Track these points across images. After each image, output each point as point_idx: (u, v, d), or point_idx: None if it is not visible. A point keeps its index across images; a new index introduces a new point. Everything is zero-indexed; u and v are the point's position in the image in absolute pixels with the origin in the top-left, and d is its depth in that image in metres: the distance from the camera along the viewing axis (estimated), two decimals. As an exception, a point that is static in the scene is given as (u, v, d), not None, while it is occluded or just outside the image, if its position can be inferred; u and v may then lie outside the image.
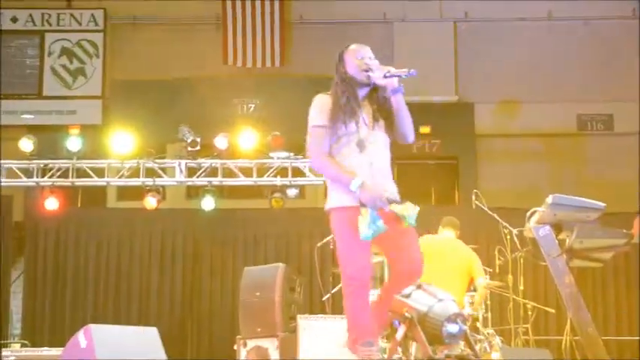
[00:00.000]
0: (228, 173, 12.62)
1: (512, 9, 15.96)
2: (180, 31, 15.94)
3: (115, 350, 6.03)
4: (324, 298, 11.02)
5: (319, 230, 12.51)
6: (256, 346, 9.88)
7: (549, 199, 6.88)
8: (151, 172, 12.54)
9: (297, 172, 12.67)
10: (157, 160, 12.48)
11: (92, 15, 15.93)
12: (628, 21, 15.78)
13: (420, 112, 16.35)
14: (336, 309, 10.62)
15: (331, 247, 11.40)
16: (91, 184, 12.82)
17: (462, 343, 7.86)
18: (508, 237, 10.21)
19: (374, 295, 9.93)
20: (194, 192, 13.23)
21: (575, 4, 15.83)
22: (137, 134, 12.57)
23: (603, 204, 6.84)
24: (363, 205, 5.26)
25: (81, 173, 12.59)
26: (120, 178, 12.67)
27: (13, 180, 12.64)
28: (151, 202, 12.36)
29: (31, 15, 15.88)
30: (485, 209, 10.57)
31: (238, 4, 15.77)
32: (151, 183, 12.45)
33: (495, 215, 10.45)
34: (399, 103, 5.37)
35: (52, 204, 12.53)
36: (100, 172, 12.60)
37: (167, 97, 15.18)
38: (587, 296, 11.75)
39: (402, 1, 16.13)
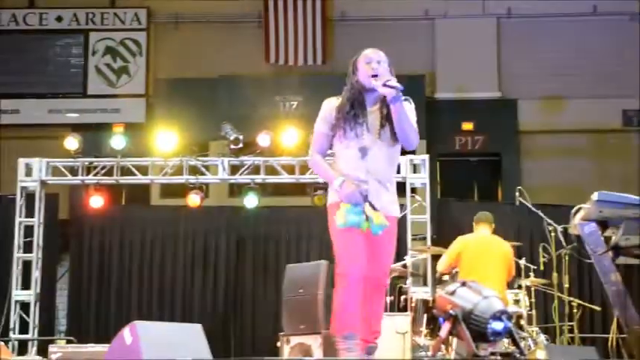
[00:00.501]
0: (271, 171, 12.62)
1: (556, 5, 15.85)
2: (222, 30, 16.02)
3: (161, 347, 6.06)
4: None
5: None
6: (299, 343, 9.85)
7: (595, 196, 6.80)
8: (194, 170, 12.58)
9: (340, 170, 12.61)
10: (200, 158, 12.51)
11: (135, 14, 16.06)
12: (674, 16, 15.61)
13: (462, 108, 16.48)
14: None
15: None
16: (135, 182, 12.90)
17: (506, 341, 7.84)
18: (552, 234, 10.13)
19: (423, 292, 9.97)
20: (237, 190, 13.26)
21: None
22: (180, 132, 12.62)
23: (650, 201, 6.75)
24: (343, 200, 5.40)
25: (125, 171, 12.66)
26: (163, 175, 12.73)
27: (58, 178, 12.74)
28: (194, 199, 12.39)
29: (75, 14, 16.04)
30: (529, 206, 10.49)
31: (280, 2, 15.81)
32: (194, 181, 12.49)
33: (539, 212, 10.37)
34: (397, 112, 5.30)
35: (96, 202, 12.61)
36: (143, 170, 12.67)
37: (210, 95, 15.26)
38: (634, 294, 11.60)
39: (445, -2, 16.11)
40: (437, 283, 10.37)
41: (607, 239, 6.91)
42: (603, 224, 6.87)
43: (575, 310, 10.47)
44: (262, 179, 12.58)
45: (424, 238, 11.83)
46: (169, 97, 15.27)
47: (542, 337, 9.44)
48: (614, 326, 8.85)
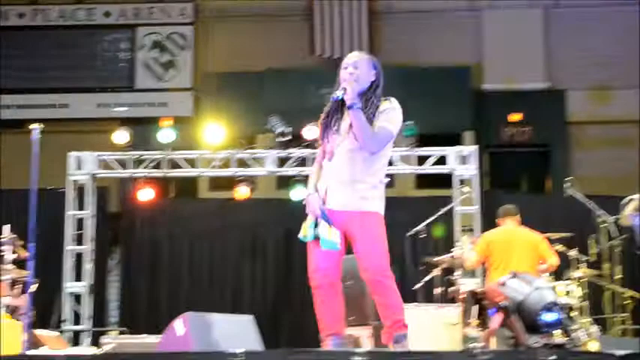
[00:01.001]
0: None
1: (604, -7, 15.68)
2: (268, 23, 16.04)
3: (212, 338, 6.11)
4: (415, 287, 10.95)
5: (410, 219, 12.46)
6: (349, 335, 9.87)
7: (646, 187, 6.72)
8: (241, 163, 12.64)
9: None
10: (248, 151, 12.56)
11: (182, 8, 16.13)
12: None
13: (510, 99, 16.32)
14: (428, 298, 10.54)
15: (422, 235, 11.37)
16: (184, 175, 12.99)
17: (558, 332, 7.77)
18: (603, 225, 10.03)
19: (473, 283, 9.90)
20: (284, 182, 13.28)
21: (670, -13, 15.44)
22: (228, 125, 12.69)
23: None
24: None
25: (173, 164, 12.75)
26: (211, 168, 12.81)
27: (108, 171, 12.86)
28: (242, 192, 12.45)
29: (123, 9, 16.15)
30: (580, 197, 10.40)
31: (326, -5, 15.80)
32: (241, 173, 12.55)
33: (590, 203, 10.27)
34: (353, 117, 5.45)
35: (146, 195, 12.71)
36: (192, 163, 12.75)
37: (256, 88, 15.29)
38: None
39: (491, -12, 15.99)
40: None
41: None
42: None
43: (627, 302, 10.36)
44: (309, 171, 12.57)
45: (472, 230, 11.73)
46: (216, 91, 15.33)
47: (594, 329, 9.35)
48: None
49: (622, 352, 4.01)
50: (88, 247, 12.53)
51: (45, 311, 12.21)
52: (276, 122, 12.33)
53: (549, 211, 12.76)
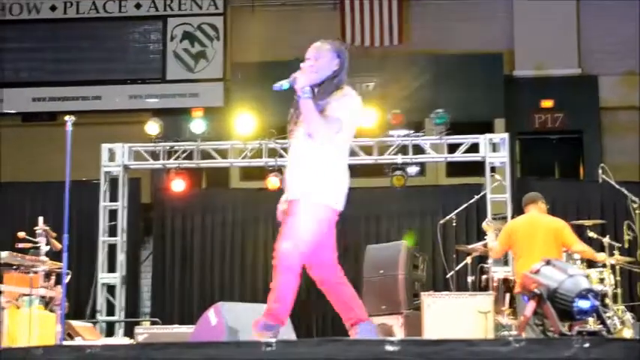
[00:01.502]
0: (349, 152, 12.57)
1: (636, -22, 15.46)
2: (298, 12, 16.00)
3: (245, 327, 6.11)
4: (448, 275, 10.94)
5: (441, 207, 12.45)
6: (381, 324, 9.86)
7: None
8: (273, 153, 12.66)
9: (418, 150, 12.59)
10: (279, 141, 12.56)
11: (213, -1, 16.13)
12: None
13: (542, 86, 16.18)
14: (461, 286, 10.58)
15: (454, 223, 11.34)
16: (215, 165, 13.03)
17: (592, 319, 7.72)
18: (637, 212, 9.94)
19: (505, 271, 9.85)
20: (315, 171, 13.20)
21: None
22: (259, 115, 12.69)
23: None
24: None
25: (205, 155, 12.78)
26: (243, 159, 12.83)
27: (140, 162, 12.92)
28: (273, 182, 12.45)
29: (153, 1, 16.18)
30: (613, 183, 10.31)
31: (355, -17, 15.72)
32: (273, 163, 12.56)
33: (623, 189, 10.17)
34: (301, 106, 5.47)
35: (177, 185, 12.76)
36: (223, 154, 12.79)
37: (287, 77, 15.26)
38: None
39: (522, -26, 15.82)
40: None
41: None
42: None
43: (661, 289, 10.28)
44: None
45: (504, 218, 11.66)
46: (247, 81, 15.31)
47: (628, 316, 9.28)
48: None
49: (656, 339, 3.98)
50: (120, 239, 12.59)
51: (79, 302, 12.30)
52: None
53: (582, 197, 12.67)
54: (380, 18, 15.55)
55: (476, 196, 11.65)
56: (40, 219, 8.70)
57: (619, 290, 9.68)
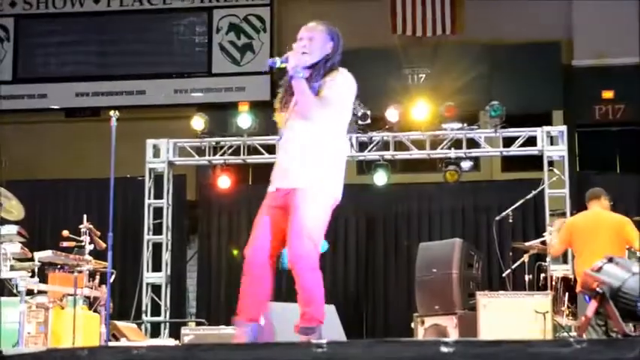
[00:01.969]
0: (400, 146, 12.43)
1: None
2: (346, 2, 15.71)
3: (293, 328, 5.91)
4: (504, 274, 10.73)
5: (496, 203, 12.25)
6: (434, 325, 9.87)
7: None
8: (320, 147, 12.41)
9: (472, 144, 12.37)
10: (327, 135, 12.31)
11: (259, -11, 15.95)
12: None
13: (602, 75, 15.77)
14: (518, 285, 10.35)
15: (510, 220, 11.07)
16: (262, 161, 12.77)
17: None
18: None
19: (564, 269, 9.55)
20: (365, 167, 13.01)
21: None
22: (307, 109, 12.44)
23: None
24: None
25: (252, 150, 12.61)
26: (290, 154, 12.59)
27: (185, 159, 12.81)
28: (321, 178, 12.21)
29: (198, -8, 16.05)
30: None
31: (407, -28, 15.41)
32: (321, 158, 12.32)
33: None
34: (294, 87, 5.23)
35: (224, 182, 12.63)
36: (270, 149, 12.53)
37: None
38: None
39: (581, -38, 15.40)
40: None
41: None
42: None
43: None
44: (392, 155, 12.44)
45: (563, 214, 11.51)
46: (293, 73, 15.09)
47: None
48: None
49: None
50: (165, 237, 12.47)
51: (123, 302, 12.22)
52: (356, 105, 12.10)
53: (646, 191, 12.38)
54: (432, 7, 15.24)
55: (533, 192, 11.40)
56: (84, 217, 8.54)
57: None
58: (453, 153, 12.32)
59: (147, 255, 12.44)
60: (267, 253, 5.38)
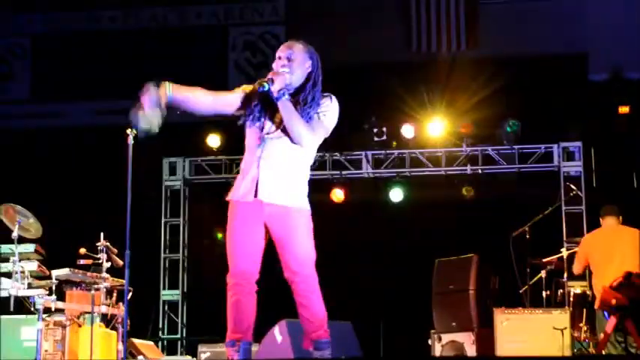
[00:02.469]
0: (417, 163, 12.42)
1: None
2: (362, 18, 15.75)
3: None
4: (521, 290, 10.64)
5: (513, 219, 12.13)
6: (451, 341, 9.88)
7: None
8: (337, 165, 12.47)
9: (488, 160, 12.30)
10: (344, 152, 12.38)
11: (273, 7, 15.99)
12: None
13: (618, 90, 15.67)
14: (535, 301, 10.30)
15: (527, 236, 11.03)
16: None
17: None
18: None
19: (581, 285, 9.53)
20: (381, 183, 13.00)
21: None
22: (322, 127, 12.45)
23: None
24: None
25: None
26: (306, 170, 12.61)
27: (201, 176, 12.86)
28: (338, 194, 12.32)
29: (214, 10, 16.11)
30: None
31: (421, -14, 15.45)
32: (338, 176, 12.40)
33: None
34: (281, 109, 5.17)
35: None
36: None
37: (351, 86, 14.99)
38: None
39: (594, -28, 15.41)
40: None
41: None
42: None
43: None
44: (408, 172, 12.42)
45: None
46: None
47: None
48: None
49: None
50: (182, 255, 12.48)
51: (140, 320, 12.21)
52: (372, 121, 12.16)
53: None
54: (447, 22, 15.23)
55: (550, 208, 11.31)
56: (102, 234, 8.54)
57: None
58: (469, 169, 12.30)
59: (163, 273, 12.45)
60: (250, 275, 5.38)
